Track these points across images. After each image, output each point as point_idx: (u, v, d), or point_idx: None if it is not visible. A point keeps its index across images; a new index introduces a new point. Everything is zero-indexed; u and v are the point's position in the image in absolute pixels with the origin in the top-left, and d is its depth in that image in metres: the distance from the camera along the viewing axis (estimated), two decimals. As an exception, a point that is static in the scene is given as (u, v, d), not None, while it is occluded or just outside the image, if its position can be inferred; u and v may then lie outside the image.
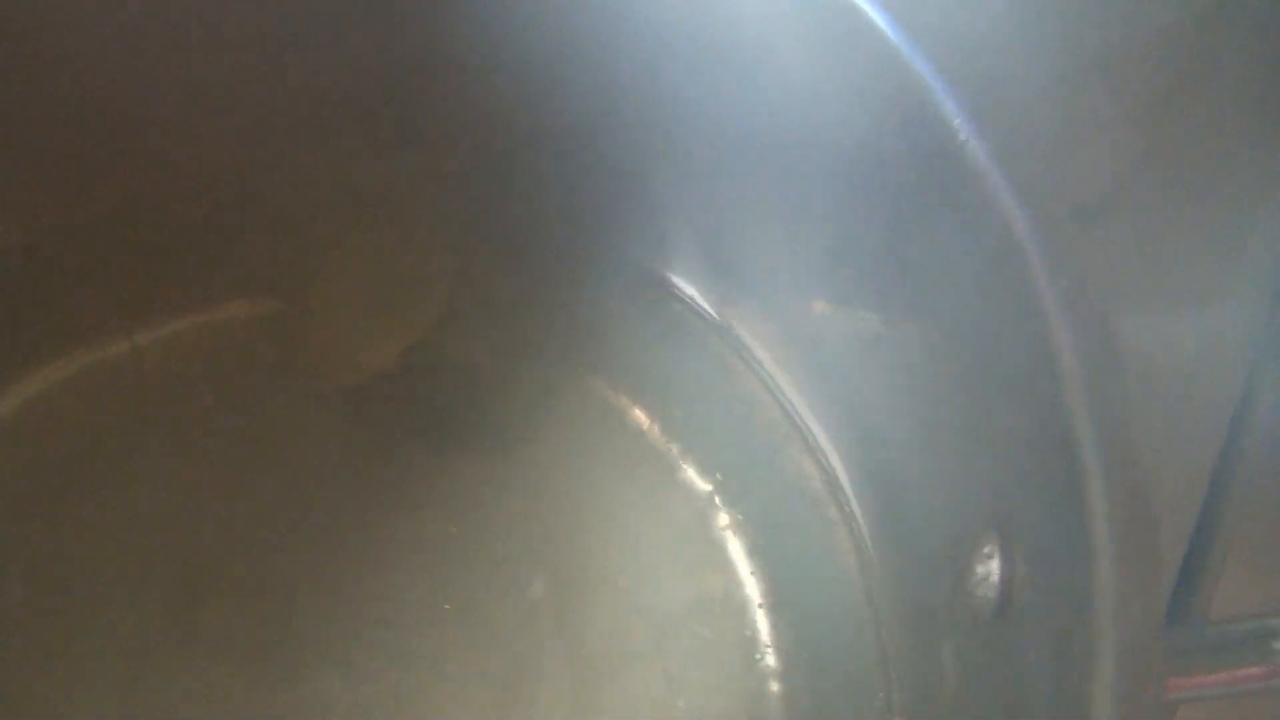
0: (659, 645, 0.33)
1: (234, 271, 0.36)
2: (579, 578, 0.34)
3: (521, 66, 0.32)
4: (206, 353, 0.36)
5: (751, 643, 0.33)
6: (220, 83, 0.34)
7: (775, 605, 0.33)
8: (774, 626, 0.33)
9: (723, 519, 0.35)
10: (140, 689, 0.31)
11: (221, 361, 0.36)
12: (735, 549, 0.34)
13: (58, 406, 0.35)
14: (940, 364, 0.27)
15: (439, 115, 0.35)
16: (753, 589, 0.34)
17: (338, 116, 0.36)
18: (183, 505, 0.34)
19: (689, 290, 0.37)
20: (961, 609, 0.25)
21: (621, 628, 0.33)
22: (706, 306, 0.37)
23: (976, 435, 0.25)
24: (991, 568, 0.23)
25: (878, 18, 0.25)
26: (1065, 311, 0.21)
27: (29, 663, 0.31)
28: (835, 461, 0.34)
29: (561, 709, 0.32)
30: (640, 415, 0.36)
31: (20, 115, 0.33)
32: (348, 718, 0.31)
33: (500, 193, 0.36)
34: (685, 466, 0.35)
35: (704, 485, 0.35)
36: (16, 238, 0.35)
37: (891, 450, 0.31)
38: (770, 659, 0.33)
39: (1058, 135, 0.30)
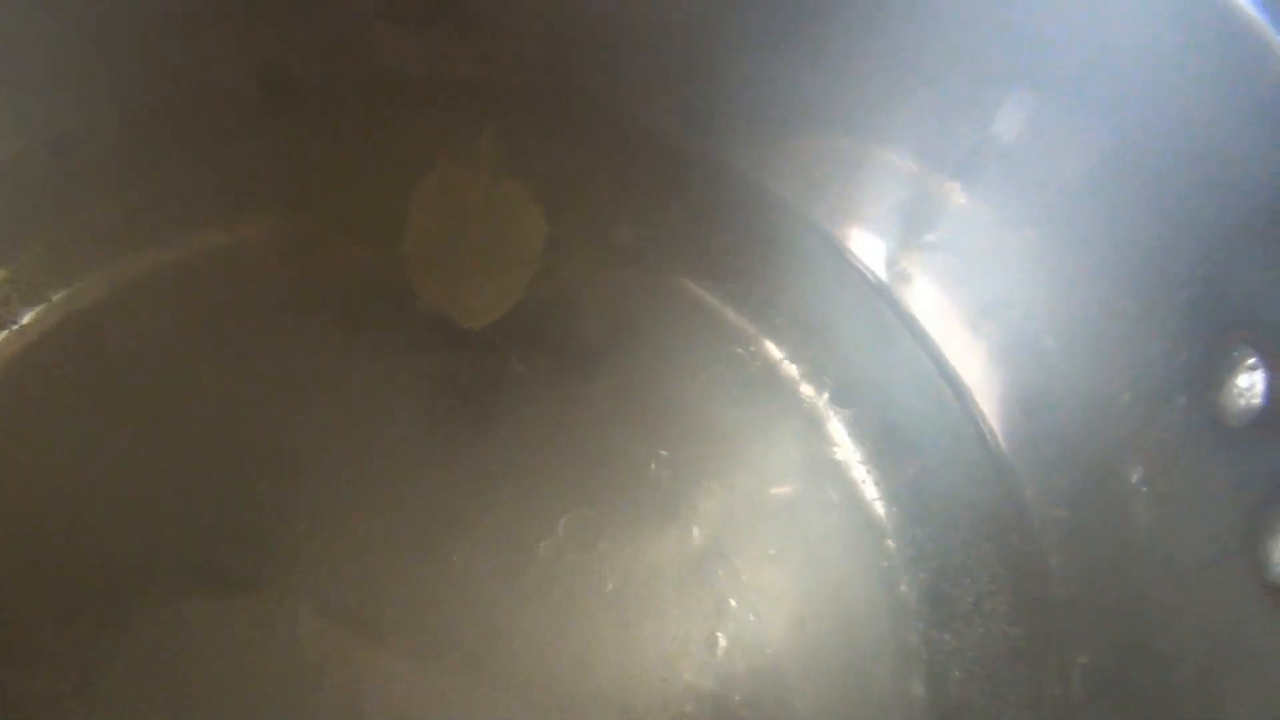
0: (774, 533, 0.33)
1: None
2: (690, 470, 0.33)
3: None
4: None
5: (866, 517, 0.33)
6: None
7: (892, 494, 0.34)
8: (890, 511, 0.33)
9: (826, 408, 0.35)
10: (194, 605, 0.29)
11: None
12: (840, 433, 0.34)
13: (122, 308, 0.32)
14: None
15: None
16: (863, 473, 0.34)
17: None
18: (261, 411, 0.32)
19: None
20: (1193, 420, 0.27)
21: (735, 518, 0.33)
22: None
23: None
24: (1254, 379, 0.25)
25: None
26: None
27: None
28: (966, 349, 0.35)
29: (691, 604, 0.31)
30: (748, 325, 0.35)
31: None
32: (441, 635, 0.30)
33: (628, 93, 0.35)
34: (788, 366, 0.35)
35: (814, 389, 0.35)
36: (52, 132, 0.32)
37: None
38: (890, 541, 0.33)
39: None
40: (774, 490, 0.33)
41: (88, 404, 0.31)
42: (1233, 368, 0.26)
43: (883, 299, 0.35)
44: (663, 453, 0.33)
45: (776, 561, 0.32)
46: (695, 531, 0.32)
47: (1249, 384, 0.25)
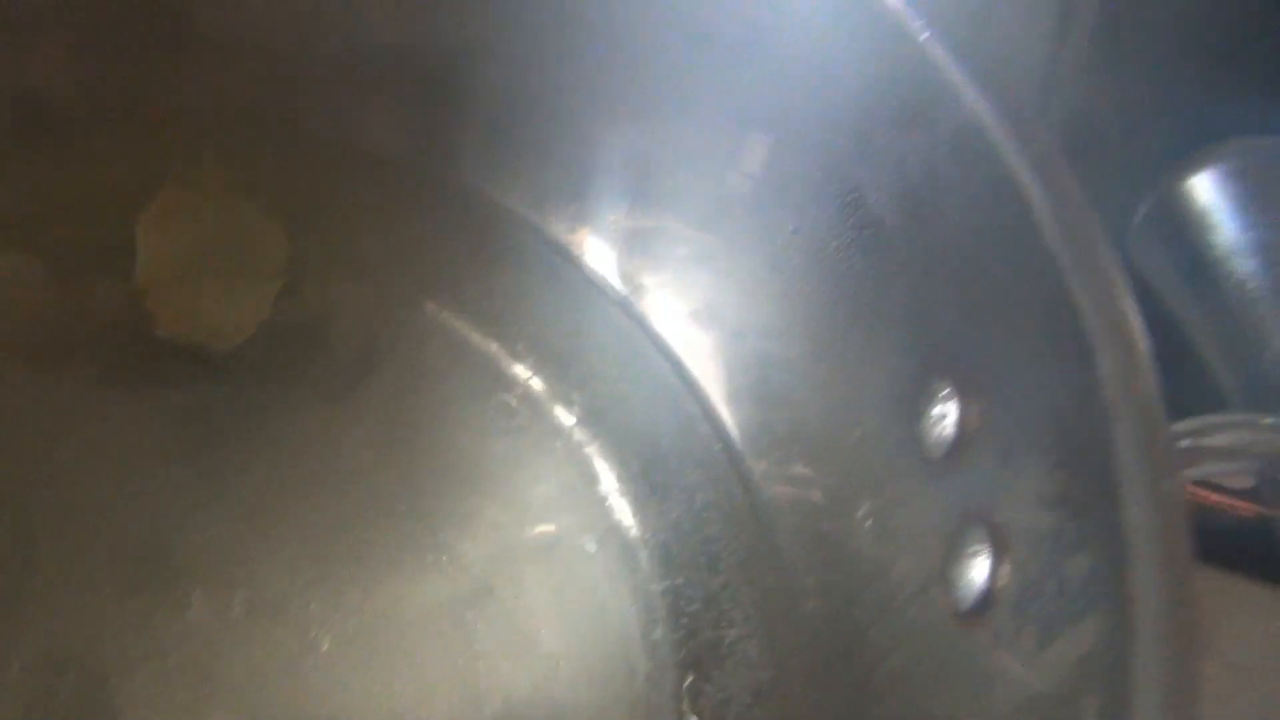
0: (530, 577, 0.32)
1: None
2: (444, 509, 0.32)
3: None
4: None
5: (626, 559, 0.33)
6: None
7: (647, 523, 0.34)
8: (652, 552, 0.33)
9: (582, 439, 0.35)
10: None
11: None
12: (601, 468, 0.34)
13: None
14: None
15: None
16: (625, 512, 0.34)
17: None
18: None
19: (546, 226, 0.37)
20: (904, 452, 0.27)
21: (491, 561, 0.32)
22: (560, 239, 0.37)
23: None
24: (948, 409, 0.26)
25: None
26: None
27: None
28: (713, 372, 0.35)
29: (443, 650, 0.30)
30: (496, 349, 0.35)
31: None
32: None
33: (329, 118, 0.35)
34: (540, 393, 0.35)
35: (566, 417, 0.35)
36: None
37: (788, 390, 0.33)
38: (651, 584, 0.33)
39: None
40: (532, 530, 0.33)
41: None
42: (931, 398, 0.26)
43: (636, 324, 0.35)
44: (414, 491, 0.32)
45: (531, 607, 0.32)
46: (449, 575, 0.32)
47: (943, 413, 0.26)
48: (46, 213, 0.34)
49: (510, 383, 0.35)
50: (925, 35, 0.26)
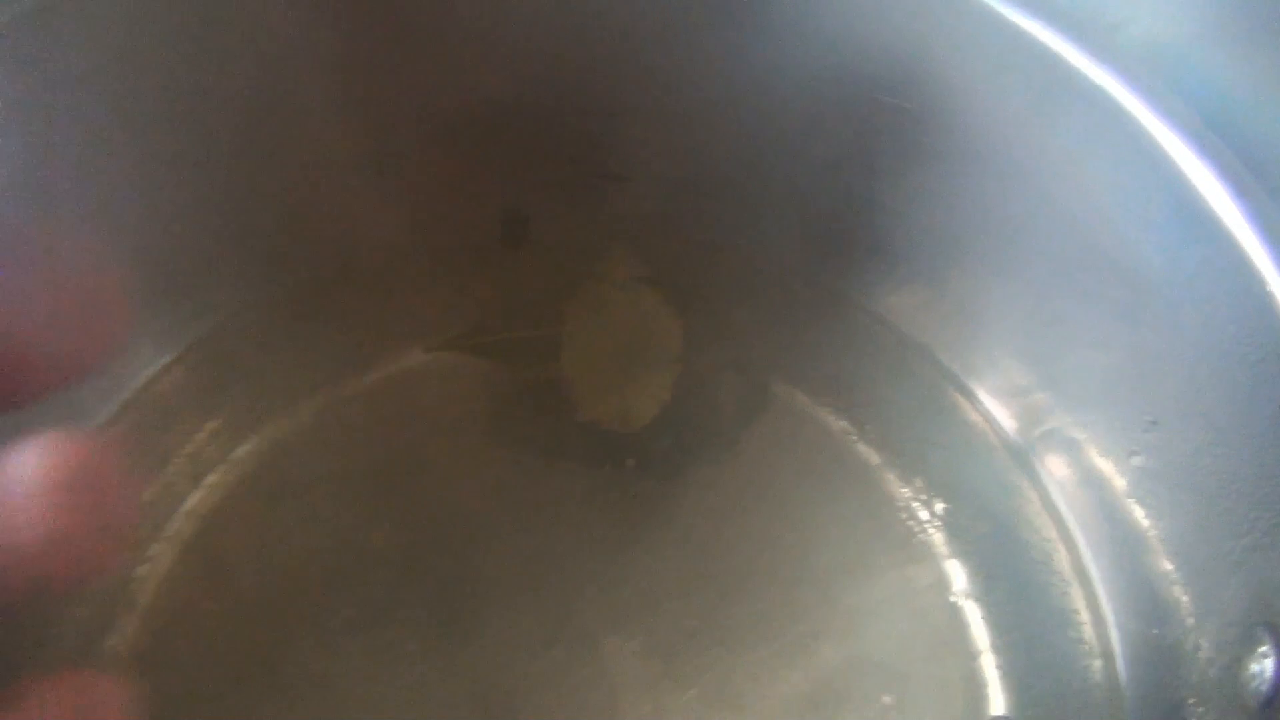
0: (884, 676, 0.35)
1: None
2: (801, 600, 0.36)
3: (774, 97, 0.35)
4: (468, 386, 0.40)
5: (974, 676, 0.35)
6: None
7: (1000, 645, 0.36)
8: (999, 664, 0.35)
9: (944, 548, 0.37)
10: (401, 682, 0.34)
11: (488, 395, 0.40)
12: (958, 578, 0.37)
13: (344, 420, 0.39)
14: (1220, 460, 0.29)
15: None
16: (977, 627, 0.36)
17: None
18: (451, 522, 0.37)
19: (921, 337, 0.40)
20: (1219, 694, 0.27)
21: (849, 656, 0.35)
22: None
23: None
24: (1267, 666, 0.26)
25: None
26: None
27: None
28: (1068, 512, 0.36)
29: None
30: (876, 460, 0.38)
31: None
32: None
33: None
34: (905, 492, 0.38)
35: (924, 513, 0.37)
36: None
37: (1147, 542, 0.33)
38: (995, 692, 0.35)
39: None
40: (878, 635, 0.36)
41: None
42: (1251, 648, 0.26)
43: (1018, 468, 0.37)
44: (791, 593, 0.36)
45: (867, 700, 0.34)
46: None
47: (1259, 670, 0.26)
48: (490, 319, 0.40)
49: (901, 504, 0.38)
50: None
